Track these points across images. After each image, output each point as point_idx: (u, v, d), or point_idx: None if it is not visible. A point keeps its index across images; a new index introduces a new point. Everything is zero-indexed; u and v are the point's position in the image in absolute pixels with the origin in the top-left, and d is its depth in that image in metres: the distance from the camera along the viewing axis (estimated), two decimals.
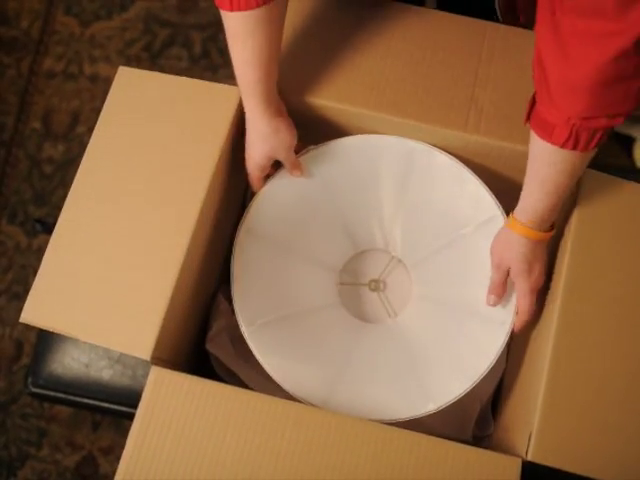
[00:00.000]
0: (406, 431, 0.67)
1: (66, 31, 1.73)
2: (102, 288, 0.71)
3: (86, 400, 0.91)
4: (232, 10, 0.68)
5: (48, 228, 1.06)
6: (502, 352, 0.76)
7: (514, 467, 0.66)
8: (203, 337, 0.86)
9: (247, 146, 0.79)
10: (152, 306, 0.69)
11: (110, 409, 0.91)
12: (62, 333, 0.70)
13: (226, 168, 0.78)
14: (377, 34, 0.80)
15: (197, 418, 0.67)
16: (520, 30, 0.80)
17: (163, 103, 0.78)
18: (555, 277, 0.74)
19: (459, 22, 0.81)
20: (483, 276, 0.80)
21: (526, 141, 0.73)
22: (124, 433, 1.44)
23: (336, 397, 0.77)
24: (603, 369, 0.69)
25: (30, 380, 0.94)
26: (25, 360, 1.48)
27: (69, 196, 0.75)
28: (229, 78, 1.78)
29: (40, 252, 1.54)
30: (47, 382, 0.92)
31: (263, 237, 0.82)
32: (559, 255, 0.75)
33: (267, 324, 0.80)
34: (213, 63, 1.66)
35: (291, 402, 0.69)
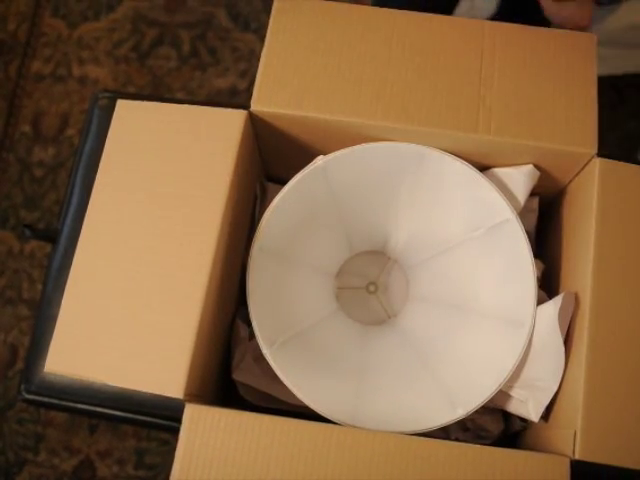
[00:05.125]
0: (451, 443, 0.66)
1: (54, 33, 1.72)
2: (125, 330, 0.69)
3: (80, 405, 0.90)
4: None
5: (37, 234, 1.05)
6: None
7: (563, 467, 0.65)
8: (226, 363, 0.85)
9: None
10: (179, 343, 0.68)
11: (104, 414, 0.90)
12: (90, 379, 0.69)
13: (237, 193, 0.77)
14: (375, 44, 0.80)
15: (238, 453, 0.65)
16: (518, 26, 0.79)
17: (166, 134, 0.76)
18: (583, 268, 0.73)
19: (455, 23, 0.80)
20: (493, 277, 0.80)
21: (538, 137, 0.72)
22: (121, 436, 1.43)
23: (363, 410, 0.75)
24: None
25: (23, 387, 0.93)
26: (20, 365, 1.48)
27: (80, 239, 0.73)
28: (218, 77, 1.78)
29: (33, 257, 1.53)
30: (40, 388, 0.91)
31: (273, 252, 0.81)
32: (584, 243, 0.74)
33: (286, 342, 0.78)
34: (202, 62, 1.66)
35: (332, 425, 0.67)
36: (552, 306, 0.73)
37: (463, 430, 0.83)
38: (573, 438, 0.66)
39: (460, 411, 0.74)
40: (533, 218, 0.88)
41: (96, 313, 0.70)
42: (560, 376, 0.72)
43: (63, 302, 0.71)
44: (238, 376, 0.83)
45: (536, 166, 0.80)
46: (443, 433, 0.82)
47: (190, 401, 0.68)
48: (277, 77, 0.78)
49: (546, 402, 0.73)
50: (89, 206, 0.75)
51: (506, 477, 0.64)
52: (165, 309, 0.69)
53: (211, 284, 0.71)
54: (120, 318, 0.70)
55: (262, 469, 0.65)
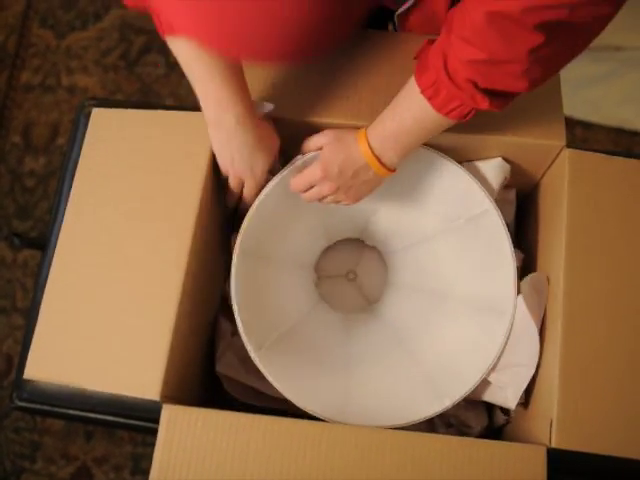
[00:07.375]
0: (431, 435, 0.67)
1: (42, 44, 1.73)
2: (102, 335, 0.70)
3: (72, 411, 0.90)
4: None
5: (26, 242, 1.06)
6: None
7: (540, 456, 0.66)
8: (209, 362, 0.85)
9: (243, 166, 0.77)
10: (154, 346, 0.69)
11: (97, 419, 0.90)
12: (68, 385, 0.70)
13: (212, 193, 0.78)
14: (343, 57, 0.82)
15: (216, 452, 0.66)
16: None
17: (142, 139, 0.77)
18: (556, 256, 0.75)
19: (417, 40, 0.82)
20: (474, 266, 0.81)
21: (507, 131, 0.75)
22: (117, 443, 1.44)
23: (351, 406, 0.76)
24: (614, 346, 0.69)
25: (15, 394, 0.93)
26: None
27: (57, 247, 0.74)
28: None
29: (26, 266, 1.54)
30: (32, 395, 0.91)
31: (254, 255, 0.81)
32: (557, 231, 0.76)
33: (273, 345, 0.79)
34: None
35: (308, 421, 0.68)
36: (524, 287, 0.75)
37: (447, 426, 0.84)
38: (549, 427, 0.67)
39: (447, 401, 0.75)
40: (511, 209, 0.89)
41: (73, 319, 0.71)
42: (536, 360, 0.73)
43: (41, 309, 0.72)
44: (221, 368, 0.83)
45: (508, 160, 0.81)
46: (429, 429, 0.83)
47: (168, 402, 0.68)
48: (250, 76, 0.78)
49: (524, 386, 0.74)
50: (65, 215, 0.76)
51: (484, 467, 0.65)
52: (141, 313, 0.70)
53: (186, 286, 0.72)
54: (97, 323, 0.71)
55: (240, 467, 0.66)
